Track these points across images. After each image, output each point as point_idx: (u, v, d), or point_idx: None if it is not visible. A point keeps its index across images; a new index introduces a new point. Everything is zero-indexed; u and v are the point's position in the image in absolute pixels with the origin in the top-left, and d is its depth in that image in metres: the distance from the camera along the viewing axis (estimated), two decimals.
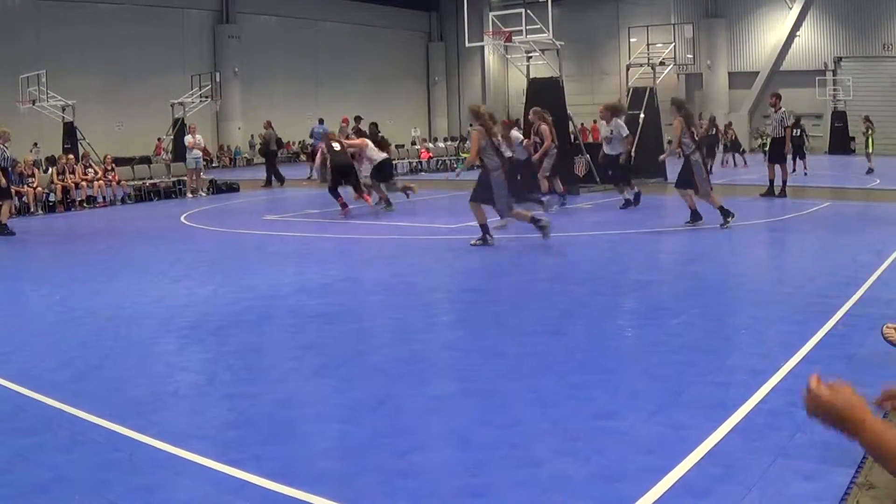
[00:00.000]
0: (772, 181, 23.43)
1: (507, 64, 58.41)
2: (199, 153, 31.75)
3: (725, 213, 17.35)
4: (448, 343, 9.38)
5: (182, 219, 23.34)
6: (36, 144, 35.93)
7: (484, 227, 15.95)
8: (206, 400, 7.62)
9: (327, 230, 19.38)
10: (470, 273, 13.95)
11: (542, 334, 9.41)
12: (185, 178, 32.44)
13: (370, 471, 5.76)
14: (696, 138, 18.07)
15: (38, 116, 39.05)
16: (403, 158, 43.85)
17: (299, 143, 55.11)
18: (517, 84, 57.54)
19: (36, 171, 30.72)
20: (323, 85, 60.97)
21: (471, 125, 16.43)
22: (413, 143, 47.32)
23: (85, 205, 30.16)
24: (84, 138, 37.28)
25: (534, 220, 15.85)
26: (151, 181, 33.34)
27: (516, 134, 23.06)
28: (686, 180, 17.56)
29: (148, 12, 52.98)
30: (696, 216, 17.70)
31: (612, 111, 21.49)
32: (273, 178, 35.85)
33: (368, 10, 65.05)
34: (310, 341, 9.59)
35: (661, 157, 23.39)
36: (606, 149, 21.63)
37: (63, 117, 37.91)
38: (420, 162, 41.45)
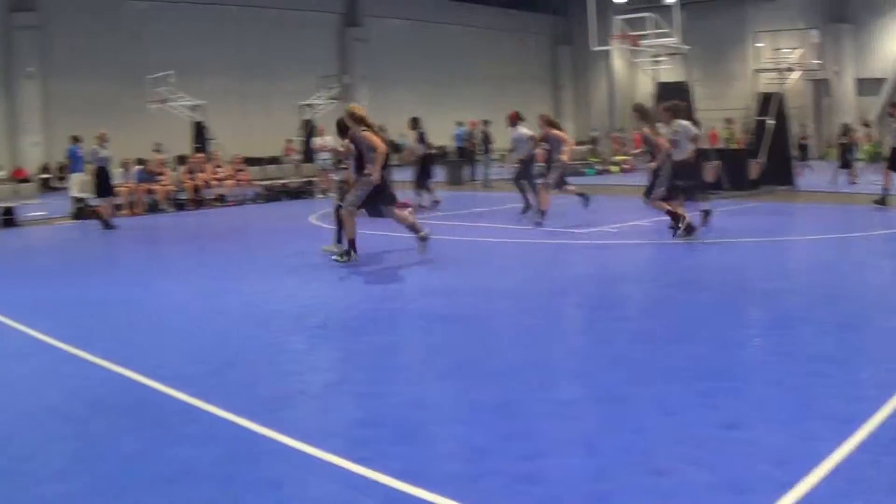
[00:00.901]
0: (887, 189, 22.75)
1: (634, 68, 58.11)
2: (329, 154, 32.07)
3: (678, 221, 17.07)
4: (575, 348, 9.39)
5: (311, 219, 23.58)
6: (160, 144, 36.73)
7: (352, 242, 15.57)
8: (335, 399, 7.74)
9: (456, 233, 19.34)
10: (597, 278, 13.83)
11: (669, 341, 9.33)
12: (315, 178, 32.81)
13: (495, 474, 5.79)
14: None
15: (168, 116, 39.69)
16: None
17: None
18: (644, 88, 57.19)
19: (166, 169, 31.33)
20: (450, 88, 61.09)
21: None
22: (540, 149, 47.14)
23: (215, 203, 30.70)
24: (214, 138, 37.86)
25: (351, 243, 15.49)
26: (282, 181, 33.77)
27: (525, 131, 22.62)
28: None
29: (275, 14, 53.60)
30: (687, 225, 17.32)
31: (671, 112, 18.85)
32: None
33: (495, 14, 65.09)
34: (438, 343, 9.67)
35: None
36: (675, 154, 18.61)
37: (192, 117, 38.50)
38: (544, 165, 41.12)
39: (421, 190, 26.01)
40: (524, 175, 22.45)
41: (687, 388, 7.48)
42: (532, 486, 5.63)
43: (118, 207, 28.15)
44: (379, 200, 15.46)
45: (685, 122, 17.79)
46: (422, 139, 27.05)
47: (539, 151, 21.54)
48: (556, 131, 21.10)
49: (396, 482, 5.68)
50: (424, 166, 26.48)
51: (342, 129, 16.15)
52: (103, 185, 24.87)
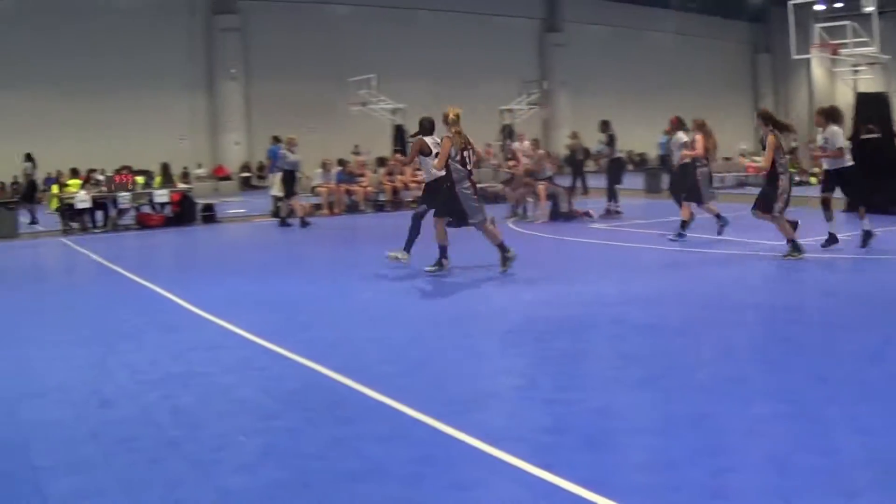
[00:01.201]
0: None
1: (834, 77, 56.76)
2: (526, 160, 32.06)
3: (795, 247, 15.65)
4: (770, 363, 9.12)
5: (509, 224, 23.59)
6: (357, 146, 37.24)
7: (443, 250, 15.17)
8: (525, 403, 7.73)
9: (654, 242, 19.07)
10: (795, 292, 13.48)
11: (865, 360, 8.98)
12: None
13: (683, 487, 5.69)
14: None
15: (368, 118, 40.26)
16: (730, 171, 42.76)
17: (626, 152, 54.95)
18: (844, 98, 55.76)
19: (366, 171, 31.85)
20: (648, 95, 60.61)
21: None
22: (742, 156, 46.45)
23: (413, 205, 31.03)
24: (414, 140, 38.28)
25: (502, 248, 15.07)
26: (480, 185, 33.89)
27: (681, 136, 20.64)
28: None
29: (476, 20, 53.98)
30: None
31: (826, 116, 17.22)
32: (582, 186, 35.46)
33: (694, 21, 64.43)
34: (632, 352, 9.53)
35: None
36: (826, 163, 17.34)
37: (393, 120, 39.00)
38: (746, 176, 40.41)
39: (613, 195, 25.62)
40: (678, 184, 20.81)
41: (884, 409, 7.19)
42: (720, 501, 5.53)
43: (317, 207, 28.85)
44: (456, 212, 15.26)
45: (837, 129, 16.77)
46: (611, 142, 26.60)
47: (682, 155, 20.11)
48: (698, 135, 19.33)
49: (582, 490, 5.63)
50: (614, 171, 26.15)
51: (424, 128, 15.99)
52: (289, 187, 25.79)
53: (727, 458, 6.21)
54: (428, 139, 15.78)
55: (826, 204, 16.66)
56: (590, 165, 33.43)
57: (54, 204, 27.81)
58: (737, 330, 10.72)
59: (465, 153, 15.02)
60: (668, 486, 5.72)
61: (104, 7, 44.70)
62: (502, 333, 10.58)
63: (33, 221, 30.03)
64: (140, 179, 28.45)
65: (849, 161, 16.97)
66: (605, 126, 26.85)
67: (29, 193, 32.84)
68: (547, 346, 9.86)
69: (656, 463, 6.13)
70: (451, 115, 15.12)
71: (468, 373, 8.81)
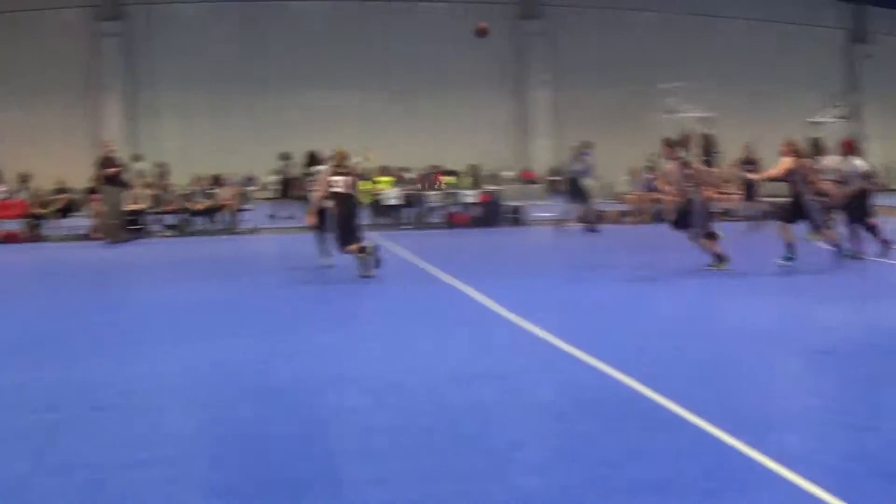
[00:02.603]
0: None
1: None
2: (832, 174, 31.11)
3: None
4: None
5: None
6: (652, 154, 36.98)
7: None
8: (826, 427, 7.48)
9: None
10: None
11: None
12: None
13: None
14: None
15: (675, 126, 40.02)
16: None
17: None
18: None
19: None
20: None
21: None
22: None
23: (725, 218, 30.75)
24: (720, 151, 37.85)
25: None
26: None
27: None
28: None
29: (779, 29, 52.87)
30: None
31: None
32: None
33: None
34: None
35: None
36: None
37: (701, 129, 38.63)
38: None
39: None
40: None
41: None
42: None
43: (624, 214, 28.94)
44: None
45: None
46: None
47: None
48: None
49: None
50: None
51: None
52: (577, 192, 25.89)
53: None
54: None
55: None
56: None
57: (366, 200, 28.77)
58: None
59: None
60: None
61: (420, 12, 45.96)
62: (809, 353, 10.31)
63: (290, 216, 31.38)
64: (449, 180, 29.18)
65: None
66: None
67: (284, 190, 33.96)
68: (854, 369, 9.48)
69: None
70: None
71: (771, 390, 8.66)
